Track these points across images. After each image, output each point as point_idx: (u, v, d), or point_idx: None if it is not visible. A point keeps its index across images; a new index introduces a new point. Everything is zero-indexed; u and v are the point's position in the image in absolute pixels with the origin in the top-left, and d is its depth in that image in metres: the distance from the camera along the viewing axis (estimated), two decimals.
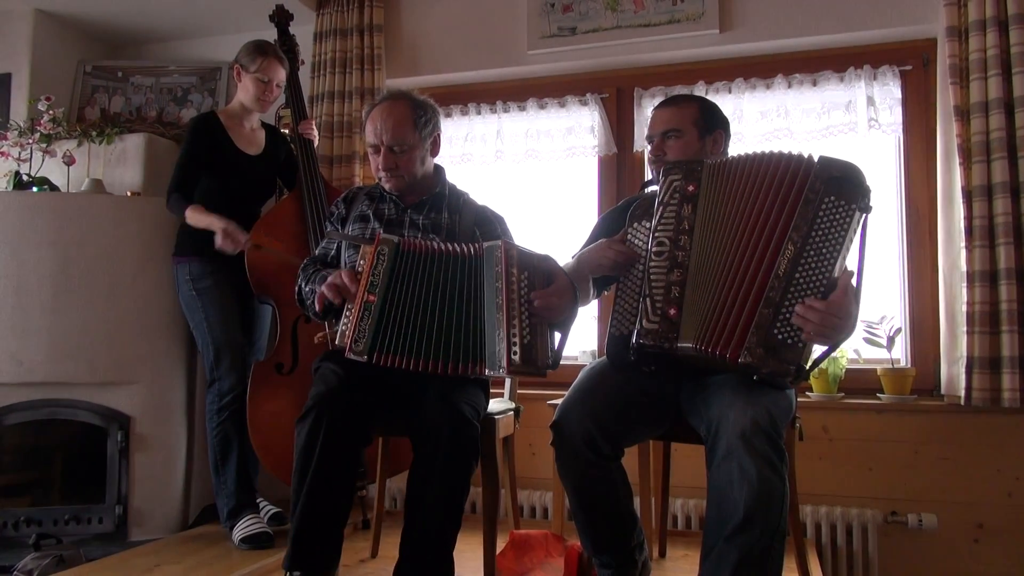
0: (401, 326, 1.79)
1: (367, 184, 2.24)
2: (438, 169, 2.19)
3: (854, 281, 1.60)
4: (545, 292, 1.79)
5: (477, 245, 1.87)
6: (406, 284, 1.82)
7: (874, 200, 1.63)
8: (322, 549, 1.82)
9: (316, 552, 1.81)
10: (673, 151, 2.00)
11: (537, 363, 1.77)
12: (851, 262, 1.63)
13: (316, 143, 2.93)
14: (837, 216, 1.59)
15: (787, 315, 1.58)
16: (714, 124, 2.02)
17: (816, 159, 1.66)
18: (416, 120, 2.03)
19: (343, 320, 1.84)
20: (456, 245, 1.87)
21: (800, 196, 1.63)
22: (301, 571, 1.80)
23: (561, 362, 1.86)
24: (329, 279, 1.86)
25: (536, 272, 1.81)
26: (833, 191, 1.61)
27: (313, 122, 2.96)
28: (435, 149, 2.12)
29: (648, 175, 2.07)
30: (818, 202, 1.61)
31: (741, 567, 1.51)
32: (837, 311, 1.55)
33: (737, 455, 1.55)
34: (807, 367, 1.62)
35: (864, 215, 1.61)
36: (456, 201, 2.15)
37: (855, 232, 1.61)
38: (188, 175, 2.64)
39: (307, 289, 2.04)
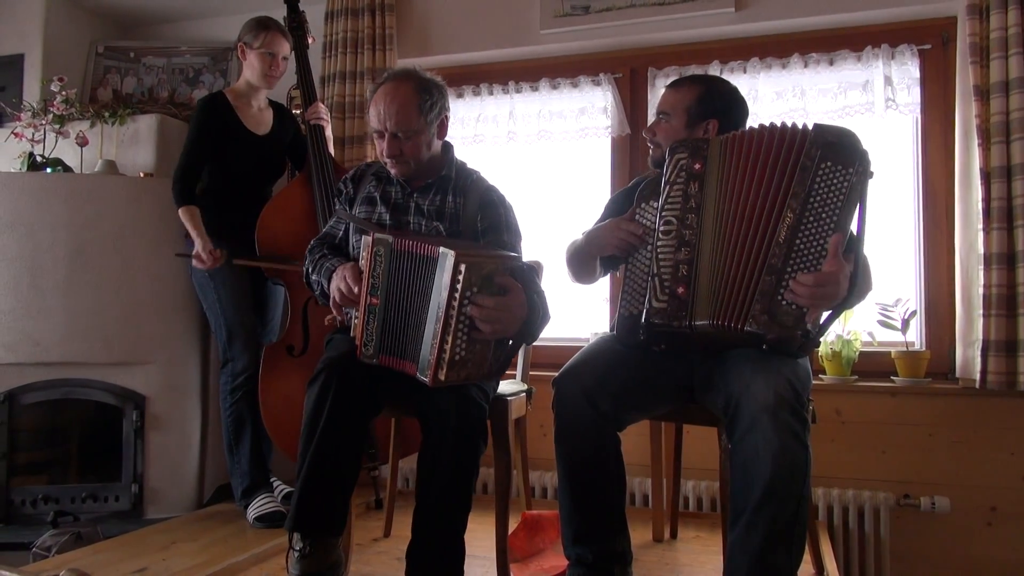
0: (399, 328, 1.79)
1: (376, 162, 2.20)
2: (447, 147, 2.11)
3: (854, 246, 1.61)
4: (486, 309, 1.68)
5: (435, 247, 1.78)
6: (401, 286, 1.79)
7: (874, 164, 1.63)
8: (326, 512, 1.81)
9: (319, 514, 1.80)
10: (661, 133, 2.01)
11: (470, 377, 1.75)
12: (854, 226, 1.64)
13: (328, 127, 2.86)
14: (834, 181, 1.61)
15: (790, 281, 1.60)
16: (709, 113, 1.96)
17: (811, 127, 1.67)
18: (421, 104, 1.94)
19: (353, 321, 1.86)
20: (429, 246, 1.77)
21: (797, 164, 1.65)
22: (302, 532, 1.80)
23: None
24: (334, 282, 1.89)
25: (488, 284, 1.70)
26: (829, 157, 1.63)
27: (322, 104, 2.88)
28: (442, 131, 2.04)
29: None
30: (814, 168, 1.63)
31: (770, 536, 1.56)
32: (826, 281, 1.56)
33: (761, 428, 1.57)
34: (815, 333, 1.63)
35: (861, 177, 1.61)
36: (464, 182, 2.08)
37: (855, 195, 1.61)
38: (193, 162, 2.64)
39: (314, 279, 2.05)
